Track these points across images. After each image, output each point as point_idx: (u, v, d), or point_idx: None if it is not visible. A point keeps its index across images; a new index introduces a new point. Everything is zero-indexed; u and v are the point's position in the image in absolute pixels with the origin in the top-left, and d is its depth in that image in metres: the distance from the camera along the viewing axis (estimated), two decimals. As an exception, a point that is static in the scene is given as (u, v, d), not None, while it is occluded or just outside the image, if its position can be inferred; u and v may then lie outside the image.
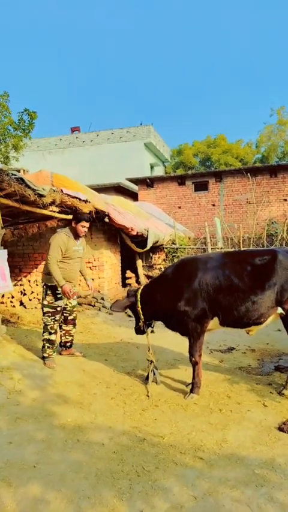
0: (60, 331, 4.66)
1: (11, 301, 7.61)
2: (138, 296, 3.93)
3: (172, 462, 2.51)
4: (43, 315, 4.36)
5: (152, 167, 24.41)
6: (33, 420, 3.03)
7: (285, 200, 14.91)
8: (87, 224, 4.39)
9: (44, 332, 4.35)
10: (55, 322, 4.34)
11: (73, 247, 4.34)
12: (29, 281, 7.83)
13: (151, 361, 3.96)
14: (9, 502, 2.07)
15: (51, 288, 4.28)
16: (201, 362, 3.74)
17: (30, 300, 7.65)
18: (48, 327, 4.30)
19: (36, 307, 7.11)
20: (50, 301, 4.30)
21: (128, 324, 6.70)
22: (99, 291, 7.81)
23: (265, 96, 65.08)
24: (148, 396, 3.64)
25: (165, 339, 5.52)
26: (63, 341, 4.69)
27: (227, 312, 3.56)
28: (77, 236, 4.40)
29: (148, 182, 16.63)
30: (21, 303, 7.60)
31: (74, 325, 4.67)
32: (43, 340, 4.34)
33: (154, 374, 3.94)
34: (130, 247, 9.23)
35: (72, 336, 4.69)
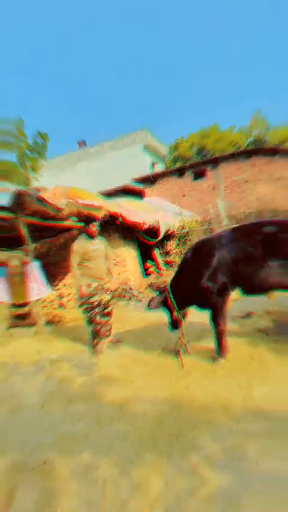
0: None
1: (52, 305, 7.82)
2: (169, 289, 3.95)
3: (205, 421, 2.54)
4: (83, 312, 4.54)
5: (153, 165, 24.17)
6: (82, 401, 3.15)
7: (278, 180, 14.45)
8: (96, 223, 4.47)
9: (89, 325, 4.54)
10: (96, 315, 4.48)
11: (91, 247, 4.42)
12: (64, 285, 8.01)
13: (179, 337, 4.01)
14: (63, 469, 2.18)
15: (86, 285, 4.45)
16: (226, 331, 3.72)
17: (68, 301, 7.84)
18: (91, 320, 4.50)
19: (73, 307, 7.28)
20: (86, 299, 4.46)
21: (156, 309, 6.76)
22: (126, 283, 7.90)
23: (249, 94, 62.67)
24: (182, 367, 3.68)
25: (191, 313, 5.55)
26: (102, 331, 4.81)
27: (247, 281, 3.49)
28: (92, 237, 4.45)
29: (151, 179, 16.51)
30: (60, 305, 7.80)
31: (110, 316, 4.77)
32: (91, 332, 4.54)
33: (183, 346, 3.98)
34: (144, 240, 9.25)
35: (109, 325, 4.78)
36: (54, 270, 8.24)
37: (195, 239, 11.61)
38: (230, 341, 4.13)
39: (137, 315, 6.39)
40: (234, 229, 3.87)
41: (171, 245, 11.74)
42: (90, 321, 4.55)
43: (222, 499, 1.81)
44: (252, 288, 3.53)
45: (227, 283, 3.56)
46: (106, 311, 4.69)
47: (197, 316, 5.25)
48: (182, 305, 4.01)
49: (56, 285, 8.12)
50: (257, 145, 24.93)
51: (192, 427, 2.49)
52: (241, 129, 28.62)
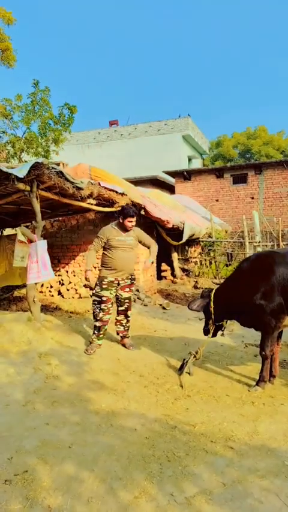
0: (114, 321, 4.89)
1: (50, 291, 7.93)
2: (212, 296, 3.98)
3: (202, 450, 2.55)
4: (92, 303, 4.72)
5: (189, 160, 24.17)
6: (69, 404, 3.20)
7: None
8: (133, 219, 4.52)
9: (93, 319, 4.70)
10: (100, 311, 4.57)
11: (117, 237, 4.51)
12: (67, 272, 8.11)
13: (193, 355, 4.02)
14: (45, 479, 2.22)
15: (100, 278, 4.60)
16: (271, 357, 3.68)
17: (68, 290, 7.93)
18: (95, 314, 4.64)
19: (73, 297, 7.37)
20: (97, 291, 4.59)
21: (162, 316, 6.77)
22: (133, 284, 7.93)
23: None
24: (181, 386, 3.68)
25: (201, 332, 5.54)
26: (116, 330, 4.90)
27: None
28: (124, 230, 4.55)
29: (185, 175, 16.51)
30: (59, 293, 7.90)
31: (126, 315, 4.82)
32: (93, 326, 4.70)
33: (188, 365, 3.98)
34: (166, 240, 9.27)
35: (124, 325, 4.84)
36: (59, 253, 8.35)
37: (221, 250, 11.55)
38: (242, 369, 4.13)
39: (140, 320, 6.39)
40: None
41: (193, 252, 11.71)
42: (93, 315, 4.68)
43: None
44: None
45: (283, 305, 3.50)
46: (121, 308, 4.77)
47: (203, 335, 5.25)
48: (223, 316, 4.04)
49: (58, 270, 8.23)
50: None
51: (186, 454, 2.50)
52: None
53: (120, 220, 4.52)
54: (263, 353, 3.61)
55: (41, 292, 7.90)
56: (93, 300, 4.66)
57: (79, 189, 5.20)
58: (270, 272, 3.53)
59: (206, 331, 4.20)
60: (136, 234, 4.68)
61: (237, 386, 3.69)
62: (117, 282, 4.60)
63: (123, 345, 4.83)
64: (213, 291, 4.03)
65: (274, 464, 2.38)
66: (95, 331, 4.62)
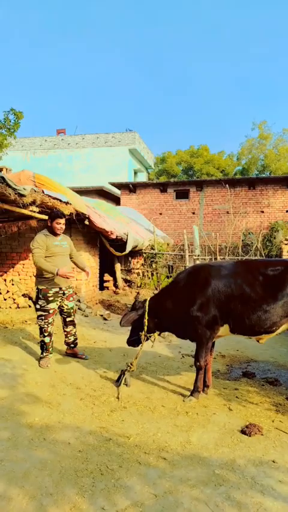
0: (63, 333, 4.71)
1: (-15, 300, 7.46)
2: (147, 307, 3.89)
3: (136, 462, 2.54)
4: (37, 318, 4.44)
5: (135, 173, 24.58)
6: (0, 418, 3.01)
7: (262, 212, 15.31)
8: (62, 220, 4.38)
9: (40, 334, 4.45)
10: (49, 325, 4.38)
11: (53, 243, 4.35)
12: (5, 280, 7.71)
13: (129, 366, 3.95)
14: None
15: (43, 291, 4.34)
16: (204, 368, 3.73)
17: (5, 299, 7.52)
18: (43, 330, 4.39)
19: (10, 307, 7.01)
20: (42, 305, 4.36)
21: (103, 327, 6.71)
22: (75, 293, 7.77)
23: (247, 110, 66.67)
24: (118, 398, 3.65)
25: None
26: (66, 341, 4.74)
27: (238, 320, 3.55)
28: (55, 234, 4.39)
29: (131, 187, 16.72)
30: (-4, 302, 7.46)
31: (74, 325, 4.70)
32: (40, 342, 4.47)
33: (125, 377, 3.96)
34: (109, 250, 9.25)
35: (74, 335, 4.72)
36: (-3, 261, 7.94)
37: (162, 262, 11.81)
38: (177, 380, 4.22)
39: (79, 331, 6.21)
40: (237, 262, 3.94)
41: (136, 263, 11.83)
42: (40, 331, 4.42)
43: None
44: (241, 329, 3.60)
45: (217, 316, 3.60)
46: (69, 319, 4.62)
47: (144, 348, 5.29)
48: (156, 328, 3.99)
49: (-4, 279, 7.79)
50: (244, 175, 26.31)
51: (119, 466, 2.47)
52: (230, 155, 30.10)
53: (49, 224, 4.39)
54: (198, 364, 3.70)
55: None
56: (39, 315, 4.39)
57: (21, 195, 5.02)
58: (206, 284, 3.62)
59: (132, 342, 4.06)
60: (69, 243, 4.60)
61: (173, 397, 3.75)
62: (62, 292, 4.46)
63: (74, 355, 4.71)
64: (147, 302, 3.96)
65: (205, 473, 2.44)
66: (45, 346, 4.42)
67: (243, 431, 3.03)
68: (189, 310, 3.63)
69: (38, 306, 4.41)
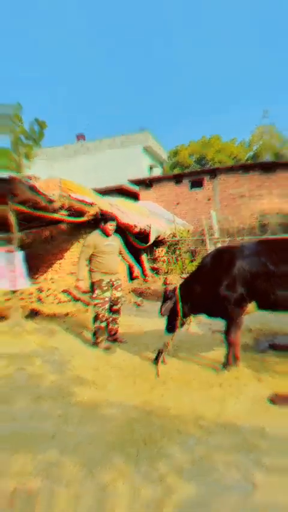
0: (110, 319, 4.91)
1: (30, 298, 7.74)
2: (178, 294, 3.91)
3: (176, 431, 2.59)
4: (94, 307, 4.66)
5: (151, 168, 24.37)
6: (52, 399, 3.15)
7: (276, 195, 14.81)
8: (113, 223, 4.64)
9: (95, 321, 4.63)
10: (104, 312, 4.60)
11: (104, 243, 4.58)
12: (45, 279, 7.96)
13: (165, 346, 4.00)
14: (28, 465, 2.20)
15: (97, 283, 4.58)
16: (237, 343, 3.73)
17: (47, 296, 7.77)
18: (100, 316, 4.60)
19: (52, 303, 7.24)
20: (99, 294, 4.58)
21: (136, 313, 6.81)
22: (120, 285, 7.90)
23: (258, 97, 64.04)
24: (157, 375, 3.72)
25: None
26: (109, 328, 4.90)
27: (264, 297, 3.53)
28: (107, 235, 4.64)
29: (147, 183, 16.64)
30: (39, 299, 7.73)
31: (119, 313, 4.91)
32: (95, 328, 4.64)
33: (162, 355, 4.02)
34: (133, 243, 9.31)
35: (117, 323, 4.91)
36: (36, 263, 8.18)
37: (185, 248, 11.75)
38: (209, 354, 4.23)
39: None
40: (259, 242, 3.89)
41: (160, 252, 11.84)
42: (97, 317, 4.63)
43: (189, 508, 1.86)
44: (268, 304, 3.57)
45: (244, 294, 3.58)
46: (115, 308, 4.81)
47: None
48: (190, 311, 3.99)
49: (37, 278, 8.06)
50: (256, 160, 25.48)
51: (162, 436, 2.54)
52: (242, 142, 29.22)
53: (101, 226, 4.62)
54: (230, 339, 3.70)
55: (22, 299, 7.70)
56: (96, 304, 4.60)
57: (51, 202, 5.13)
58: (231, 265, 3.60)
59: (170, 329, 4.07)
60: (119, 242, 4.84)
61: (206, 371, 3.76)
62: (111, 283, 4.67)
63: (115, 340, 4.87)
64: (178, 290, 3.94)
65: (237, 440, 2.46)
66: (101, 331, 4.62)
67: (271, 401, 3.01)
68: (218, 291, 3.61)
69: (94, 295, 4.60)
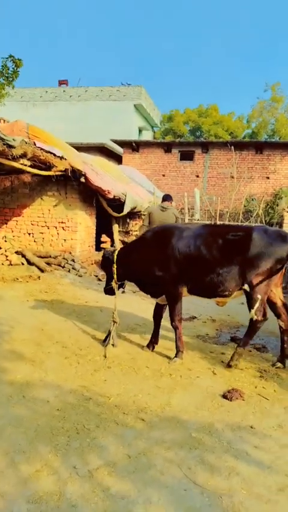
0: None
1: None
2: (115, 257, 3.93)
3: (113, 422, 2.54)
4: None
5: (140, 131, 23.63)
6: (-20, 374, 3.00)
7: (268, 178, 14.84)
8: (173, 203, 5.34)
9: None
10: None
11: (161, 216, 5.12)
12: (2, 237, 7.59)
13: (114, 322, 3.97)
14: None
15: None
16: (181, 327, 3.80)
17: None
18: None
19: (3, 264, 6.94)
20: None
21: (97, 288, 6.67)
22: (70, 252, 7.68)
23: (261, 69, 62.94)
24: (105, 357, 3.64)
25: (130, 305, 5.54)
26: None
27: (194, 281, 3.66)
28: (165, 209, 5.20)
29: (134, 146, 16.12)
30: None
31: None
32: None
33: (112, 337, 3.94)
34: (107, 210, 9.03)
35: None
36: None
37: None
38: (165, 343, 4.19)
39: (72, 290, 6.24)
40: (204, 226, 4.04)
41: (134, 225, 11.63)
42: None
43: (117, 508, 1.80)
44: (197, 289, 3.71)
45: (178, 275, 3.66)
46: None
47: (135, 309, 5.27)
48: (124, 278, 4.08)
49: (-11, 235, 7.68)
50: (253, 138, 25.31)
51: (97, 426, 2.47)
52: (240, 117, 28.81)
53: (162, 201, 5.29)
54: (173, 323, 3.75)
55: None
56: None
57: (10, 147, 4.75)
58: (168, 244, 3.69)
59: (107, 290, 4.18)
60: (173, 214, 5.29)
61: (158, 359, 3.74)
62: None
63: None
64: (116, 252, 4.00)
65: (181, 436, 2.44)
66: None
67: (224, 396, 3.02)
68: (152, 268, 3.72)
69: None
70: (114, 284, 4.01)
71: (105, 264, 4.09)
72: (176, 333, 3.74)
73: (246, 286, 3.52)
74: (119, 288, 4.14)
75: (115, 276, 3.93)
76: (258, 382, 3.34)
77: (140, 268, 3.85)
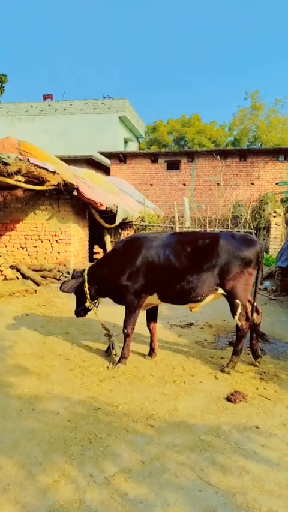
0: None
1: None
2: (86, 276, 3.92)
3: (124, 430, 2.59)
4: None
5: (126, 142, 23.90)
6: (-11, 390, 3.02)
7: (252, 184, 15.19)
8: None
9: None
10: None
11: None
12: (-7, 252, 7.58)
13: (109, 335, 4.03)
14: None
15: None
16: (132, 335, 3.86)
17: (-7, 270, 7.43)
18: None
19: (-1, 279, 6.93)
20: None
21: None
22: (64, 265, 7.72)
23: (241, 79, 64.49)
24: (108, 368, 3.69)
25: (116, 315, 5.58)
26: None
27: (164, 289, 3.71)
28: None
29: (121, 157, 16.32)
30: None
31: None
32: None
33: (114, 347, 4.00)
34: (99, 222, 9.12)
35: None
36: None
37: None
38: (165, 350, 4.27)
39: (69, 303, 6.24)
40: (173, 234, 4.08)
41: (126, 235, 11.73)
42: None
43: (138, 510, 1.86)
44: (169, 297, 3.78)
45: (145, 285, 3.71)
46: None
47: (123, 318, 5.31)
48: (97, 295, 4.06)
49: (-17, 251, 7.66)
50: (236, 146, 25.84)
51: (108, 434, 2.52)
52: (222, 125, 29.45)
53: None
54: (125, 330, 3.81)
55: None
56: None
57: (5, 164, 4.82)
58: (137, 254, 3.72)
59: (78, 313, 4.12)
60: None
61: (161, 366, 3.81)
62: None
63: None
64: (86, 271, 3.99)
65: (191, 439, 2.51)
66: None
67: (228, 399, 3.10)
68: (120, 279, 3.73)
69: None
70: (89, 304, 3.95)
71: (73, 286, 3.92)
72: (126, 340, 3.81)
73: (220, 290, 3.64)
74: (88, 310, 4.08)
75: (88, 296, 3.91)
76: (259, 383, 3.44)
77: (111, 279, 3.83)
